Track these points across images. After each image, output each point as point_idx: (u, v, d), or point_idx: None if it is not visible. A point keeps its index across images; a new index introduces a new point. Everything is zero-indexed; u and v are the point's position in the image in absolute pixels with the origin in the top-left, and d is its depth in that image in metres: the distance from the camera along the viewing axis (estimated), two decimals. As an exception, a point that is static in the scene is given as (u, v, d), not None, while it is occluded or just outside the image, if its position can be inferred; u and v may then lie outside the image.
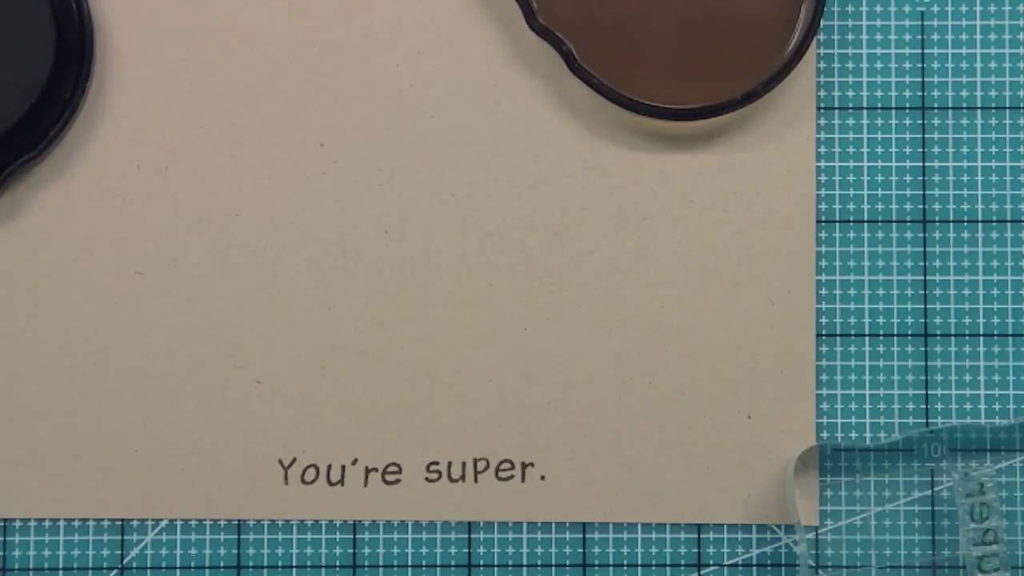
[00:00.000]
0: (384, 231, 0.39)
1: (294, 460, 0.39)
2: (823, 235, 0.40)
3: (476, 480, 0.39)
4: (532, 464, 0.39)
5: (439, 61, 0.40)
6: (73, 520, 0.39)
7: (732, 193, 0.39)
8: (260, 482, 0.39)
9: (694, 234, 0.39)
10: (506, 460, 0.39)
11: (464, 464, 0.39)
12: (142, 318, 0.39)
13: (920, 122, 0.40)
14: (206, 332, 0.39)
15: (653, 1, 0.38)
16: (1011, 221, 0.40)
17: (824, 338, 0.40)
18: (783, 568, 0.39)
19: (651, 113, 0.38)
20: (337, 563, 0.39)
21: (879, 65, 0.40)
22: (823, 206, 0.40)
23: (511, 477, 0.39)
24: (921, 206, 0.40)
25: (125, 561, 0.39)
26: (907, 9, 0.40)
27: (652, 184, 0.40)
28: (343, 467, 0.39)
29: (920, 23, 0.40)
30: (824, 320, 0.40)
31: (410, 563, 0.39)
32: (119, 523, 0.39)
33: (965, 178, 0.40)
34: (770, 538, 0.39)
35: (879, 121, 0.40)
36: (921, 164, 0.40)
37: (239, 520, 0.39)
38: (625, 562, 0.39)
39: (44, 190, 0.39)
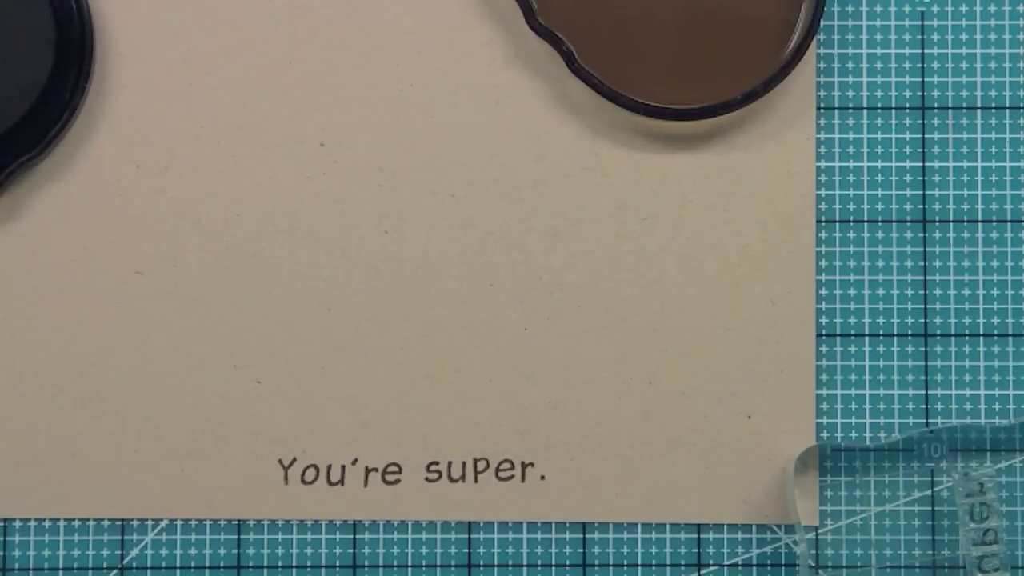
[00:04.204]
0: (384, 231, 0.39)
1: (294, 460, 0.39)
2: (823, 235, 0.40)
3: (476, 480, 0.39)
4: (532, 464, 0.39)
5: (439, 61, 0.40)
6: (73, 520, 0.39)
7: (732, 193, 0.39)
8: (260, 482, 0.39)
9: (694, 234, 0.39)
10: (506, 460, 0.39)
11: (464, 464, 0.39)
12: (142, 318, 0.39)
13: (920, 122, 0.40)
14: (206, 332, 0.39)
15: (653, 1, 0.39)
16: (1011, 221, 0.40)
17: (824, 338, 0.40)
18: (783, 568, 0.39)
19: (651, 113, 0.38)
20: (337, 563, 0.39)
21: (879, 65, 0.40)
22: (823, 206, 0.40)
23: (511, 477, 0.39)
24: (921, 206, 0.40)
25: (125, 561, 0.39)
26: (907, 9, 0.40)
27: (652, 184, 0.40)
28: (343, 467, 0.39)
29: (920, 23, 0.40)
30: (824, 320, 0.40)
31: (410, 563, 0.39)
32: (119, 523, 0.39)
33: (965, 178, 0.40)
34: (770, 538, 0.39)
35: (879, 121, 0.40)
36: (921, 164, 0.40)
37: (239, 520, 0.39)
38: (625, 562, 0.39)
39: (44, 190, 0.39)
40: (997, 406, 0.39)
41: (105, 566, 0.39)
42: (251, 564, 0.39)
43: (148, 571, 0.39)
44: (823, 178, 0.40)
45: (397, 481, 0.39)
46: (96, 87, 0.39)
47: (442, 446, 0.39)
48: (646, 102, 0.38)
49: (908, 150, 0.40)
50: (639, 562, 0.39)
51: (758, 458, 0.39)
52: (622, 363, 0.39)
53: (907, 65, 0.40)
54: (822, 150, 0.40)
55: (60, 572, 0.39)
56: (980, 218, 0.40)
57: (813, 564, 0.39)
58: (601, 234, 0.39)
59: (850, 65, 0.40)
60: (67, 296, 0.39)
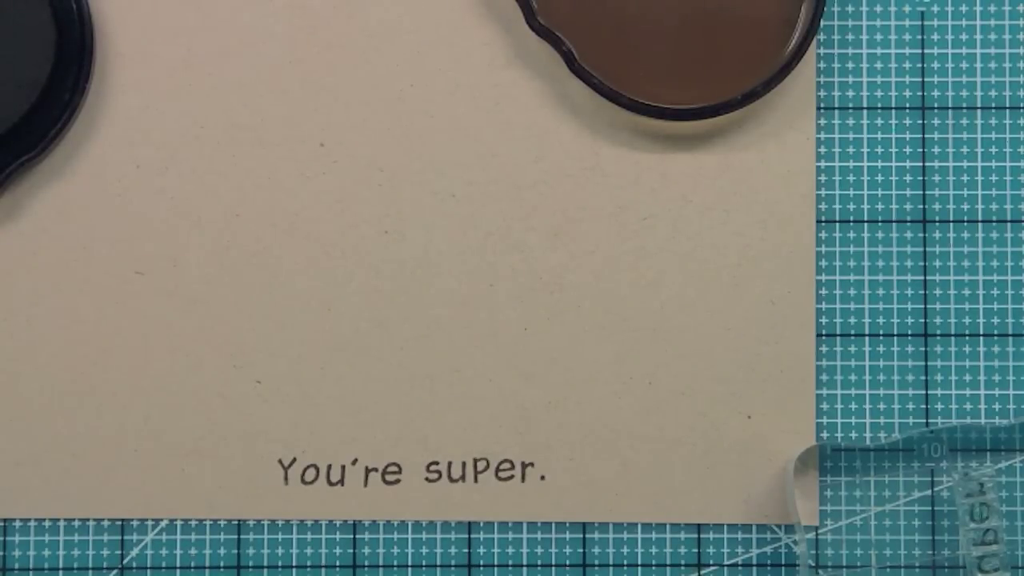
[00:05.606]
0: (384, 231, 0.39)
1: (294, 460, 0.39)
2: (823, 235, 0.40)
3: (476, 480, 0.39)
4: (532, 464, 0.39)
5: (439, 61, 0.40)
6: (73, 520, 0.39)
7: (732, 193, 0.39)
8: (260, 482, 0.39)
9: (694, 234, 0.39)
10: (506, 460, 0.39)
11: (464, 464, 0.39)
12: (142, 318, 0.39)
13: (920, 122, 0.40)
14: (206, 332, 0.39)
15: (653, 1, 0.39)
16: (1011, 221, 0.40)
17: (824, 338, 0.40)
18: (783, 568, 0.39)
19: (651, 113, 0.38)
20: (337, 563, 0.39)
21: (879, 65, 0.40)
22: (823, 206, 0.40)
23: (511, 477, 0.39)
24: (921, 206, 0.40)
25: (125, 561, 0.39)
26: (907, 9, 0.40)
27: (652, 184, 0.40)
28: (343, 467, 0.39)
29: (920, 23, 0.40)
30: (824, 320, 0.40)
31: (410, 563, 0.39)
32: (119, 523, 0.39)
33: (965, 178, 0.40)
34: (770, 538, 0.39)
35: (879, 121, 0.40)
36: (921, 164, 0.40)
37: (239, 520, 0.39)
38: (625, 562, 0.39)
39: (44, 190, 0.39)
40: (997, 406, 0.39)
41: (105, 566, 0.39)
42: (251, 564, 0.39)
43: (148, 571, 0.39)
44: (823, 178, 0.40)
45: (397, 481, 0.39)
46: (96, 87, 0.39)
47: (442, 446, 0.39)
48: (646, 102, 0.38)
49: (908, 150, 0.40)
50: (639, 562, 0.39)
51: (758, 458, 0.39)
52: (622, 363, 0.39)
53: (907, 65, 0.40)
54: (822, 150, 0.40)
55: (60, 572, 0.39)
56: (980, 218, 0.40)
57: (813, 564, 0.39)
58: (601, 234, 0.39)
59: (850, 65, 0.40)
60: (67, 296, 0.39)
